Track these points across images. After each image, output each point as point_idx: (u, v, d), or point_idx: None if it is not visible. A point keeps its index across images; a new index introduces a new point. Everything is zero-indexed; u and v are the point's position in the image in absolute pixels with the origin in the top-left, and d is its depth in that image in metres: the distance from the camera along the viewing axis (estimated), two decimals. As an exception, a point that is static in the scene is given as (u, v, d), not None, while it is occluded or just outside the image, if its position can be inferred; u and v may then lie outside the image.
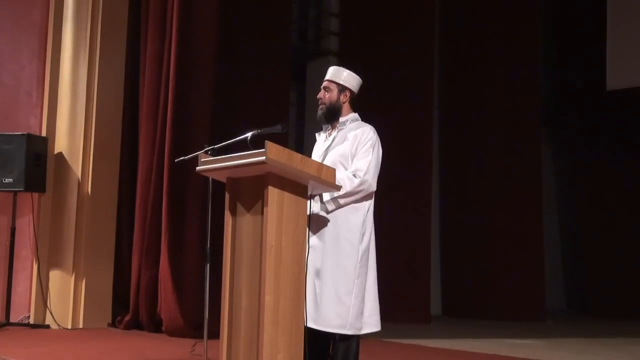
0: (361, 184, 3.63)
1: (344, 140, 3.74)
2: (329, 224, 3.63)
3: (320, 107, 3.85)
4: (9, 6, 6.84)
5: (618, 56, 9.29)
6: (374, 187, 3.69)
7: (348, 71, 3.87)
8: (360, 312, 3.61)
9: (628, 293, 10.04)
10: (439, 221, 9.74)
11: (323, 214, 3.64)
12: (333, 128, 3.84)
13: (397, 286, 8.04)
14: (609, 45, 9.35)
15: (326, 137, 3.87)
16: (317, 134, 3.97)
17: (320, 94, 3.85)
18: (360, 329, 3.63)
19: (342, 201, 3.62)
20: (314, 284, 3.57)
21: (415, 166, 8.67)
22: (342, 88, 3.82)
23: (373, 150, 3.69)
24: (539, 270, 9.31)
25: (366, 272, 3.66)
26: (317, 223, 3.63)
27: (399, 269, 8.19)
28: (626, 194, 10.55)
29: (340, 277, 3.58)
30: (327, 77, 3.87)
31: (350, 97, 3.84)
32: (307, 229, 3.48)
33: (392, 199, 7.94)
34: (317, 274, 3.59)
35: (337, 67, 3.93)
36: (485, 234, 9.36)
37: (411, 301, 8.23)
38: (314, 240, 3.62)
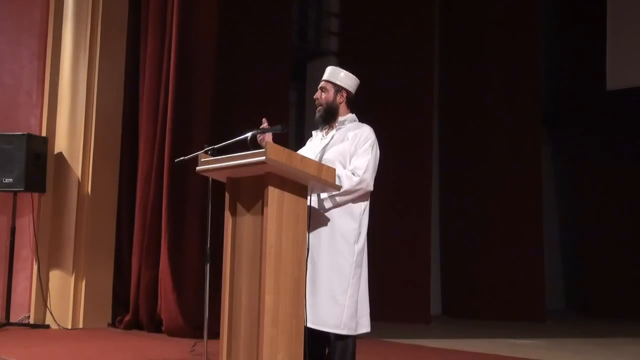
0: (359, 182, 3.63)
1: (342, 140, 3.75)
2: (326, 222, 3.63)
3: (317, 109, 3.84)
4: (9, 6, 6.84)
5: (618, 56, 9.28)
6: (371, 187, 3.69)
7: (345, 72, 3.86)
8: (355, 312, 3.62)
9: (628, 293, 10.04)
10: (439, 221, 9.73)
11: (320, 213, 3.63)
12: (331, 127, 3.84)
13: (397, 286, 8.05)
14: (609, 45, 9.35)
15: (323, 136, 3.87)
16: (314, 132, 3.97)
17: (317, 94, 3.85)
18: (355, 329, 3.64)
19: (339, 199, 3.63)
20: (310, 283, 3.56)
21: (415, 166, 8.66)
22: (338, 88, 3.82)
23: (372, 150, 3.70)
24: (539, 270, 9.30)
25: (360, 273, 3.67)
26: (313, 221, 3.62)
27: (399, 269, 8.19)
28: (626, 194, 10.55)
29: (335, 277, 3.58)
30: (324, 77, 3.86)
31: (347, 97, 3.84)
32: (308, 228, 3.49)
33: (392, 199, 7.95)
34: (313, 272, 3.58)
35: (334, 67, 3.93)
36: (485, 234, 9.36)
37: (411, 301, 8.23)
38: (310, 238, 3.62)
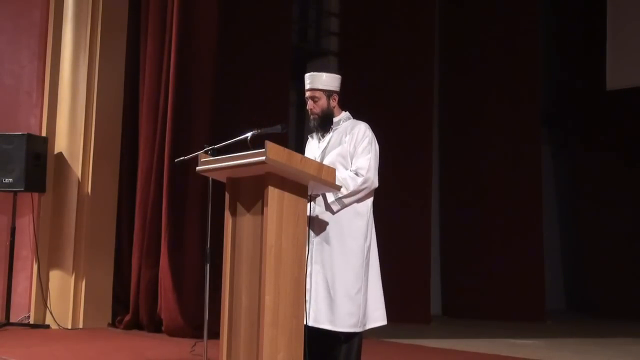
0: (364, 182, 3.67)
1: (340, 141, 3.77)
2: (333, 225, 3.65)
3: (312, 117, 3.84)
4: (9, 6, 6.84)
5: (618, 56, 9.28)
6: (376, 184, 3.74)
7: (326, 73, 3.87)
8: (366, 309, 3.67)
9: (628, 293, 10.03)
10: (439, 221, 9.73)
11: (327, 215, 3.65)
12: (327, 130, 3.85)
13: (397, 286, 8.00)
14: (609, 45, 9.34)
15: (320, 139, 3.88)
16: (309, 136, 3.99)
17: (310, 105, 3.83)
18: (365, 324, 3.68)
19: (346, 201, 3.65)
20: (326, 286, 3.59)
21: (415, 166, 8.66)
22: (329, 93, 3.81)
23: (371, 147, 3.73)
24: (539, 270, 9.30)
25: (369, 270, 3.71)
26: (320, 225, 3.65)
27: (399, 269, 8.17)
28: (626, 194, 10.54)
29: (349, 277, 3.62)
30: (309, 86, 3.83)
31: (338, 99, 3.84)
32: (308, 229, 3.50)
33: (392, 198, 7.93)
34: (328, 276, 3.60)
35: (313, 73, 3.90)
36: (485, 233, 9.35)
37: (411, 301, 8.22)
38: (319, 242, 3.64)
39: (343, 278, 3.60)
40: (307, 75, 3.88)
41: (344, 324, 3.58)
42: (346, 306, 3.57)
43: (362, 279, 3.64)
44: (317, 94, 3.81)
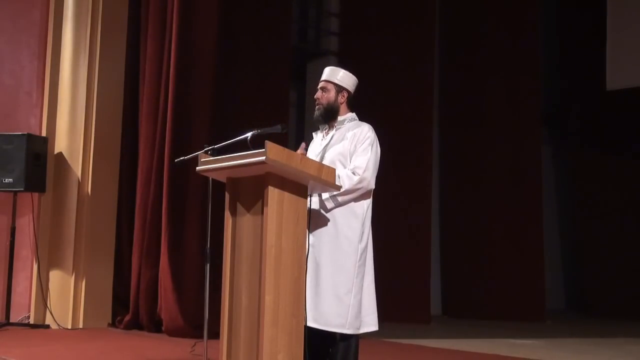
0: (360, 181, 3.64)
1: (342, 139, 3.76)
2: (328, 222, 3.63)
3: (317, 107, 3.85)
4: (8, 6, 6.84)
5: (618, 56, 9.27)
6: (372, 185, 3.70)
7: (344, 71, 3.88)
8: (359, 311, 3.63)
9: (628, 293, 10.03)
10: (438, 221, 9.74)
11: (323, 213, 3.64)
12: (331, 127, 3.85)
13: (397, 286, 8.04)
14: (609, 45, 9.34)
15: (323, 136, 3.88)
16: (314, 133, 3.99)
17: (318, 94, 3.85)
18: (359, 328, 3.64)
19: (340, 199, 3.63)
20: (314, 283, 3.57)
21: (415, 166, 8.66)
22: (339, 88, 3.82)
23: (372, 148, 3.70)
24: (539, 270, 9.30)
25: (364, 271, 3.68)
26: (316, 221, 3.63)
27: (399, 269, 8.19)
28: (626, 194, 10.55)
29: (340, 276, 3.59)
30: (324, 77, 3.87)
31: (347, 97, 3.85)
32: (308, 229, 3.49)
33: (392, 198, 7.94)
34: (317, 272, 3.59)
35: (333, 67, 3.94)
36: (485, 234, 9.36)
37: (411, 301, 8.23)
38: (312, 238, 3.63)
39: (332, 277, 3.57)
40: (326, 68, 3.92)
41: (329, 323, 3.55)
42: (333, 306, 3.54)
43: (354, 280, 3.59)
44: (329, 86, 3.83)
